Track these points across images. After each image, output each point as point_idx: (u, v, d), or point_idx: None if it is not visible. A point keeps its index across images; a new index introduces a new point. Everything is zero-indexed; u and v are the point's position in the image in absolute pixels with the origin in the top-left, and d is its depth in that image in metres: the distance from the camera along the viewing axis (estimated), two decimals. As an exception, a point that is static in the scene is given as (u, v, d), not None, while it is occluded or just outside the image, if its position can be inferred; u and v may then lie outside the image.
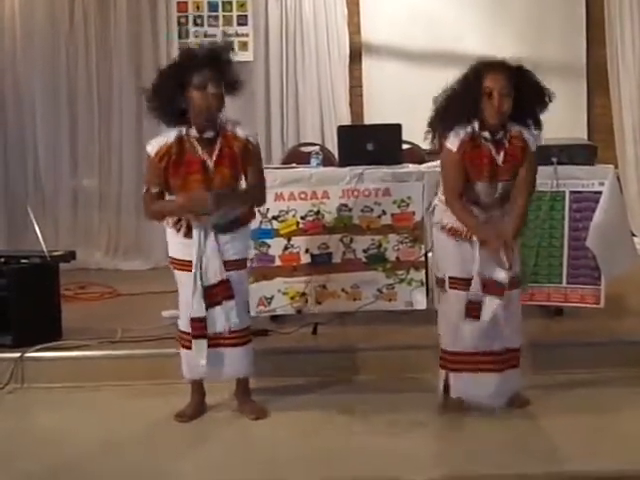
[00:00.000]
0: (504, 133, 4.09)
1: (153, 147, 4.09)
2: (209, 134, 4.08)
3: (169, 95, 4.01)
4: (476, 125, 4.07)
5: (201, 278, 4.11)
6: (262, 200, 4.35)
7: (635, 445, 3.78)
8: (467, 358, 4.19)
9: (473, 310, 4.12)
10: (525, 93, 4.04)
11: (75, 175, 7.87)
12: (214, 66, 4.02)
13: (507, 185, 4.13)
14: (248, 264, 4.42)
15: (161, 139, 4.10)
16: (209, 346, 4.18)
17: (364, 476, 3.60)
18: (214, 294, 4.14)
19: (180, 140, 4.07)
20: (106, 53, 7.75)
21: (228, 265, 4.17)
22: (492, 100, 4.00)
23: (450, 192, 4.16)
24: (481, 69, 4.05)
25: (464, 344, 4.18)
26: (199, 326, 4.14)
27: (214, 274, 4.13)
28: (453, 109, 4.08)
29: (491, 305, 4.10)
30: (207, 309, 4.13)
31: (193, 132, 4.08)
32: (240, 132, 4.14)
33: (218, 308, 4.15)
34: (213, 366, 4.21)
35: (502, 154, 4.09)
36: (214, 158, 4.08)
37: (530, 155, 4.13)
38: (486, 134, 4.08)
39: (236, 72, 4.12)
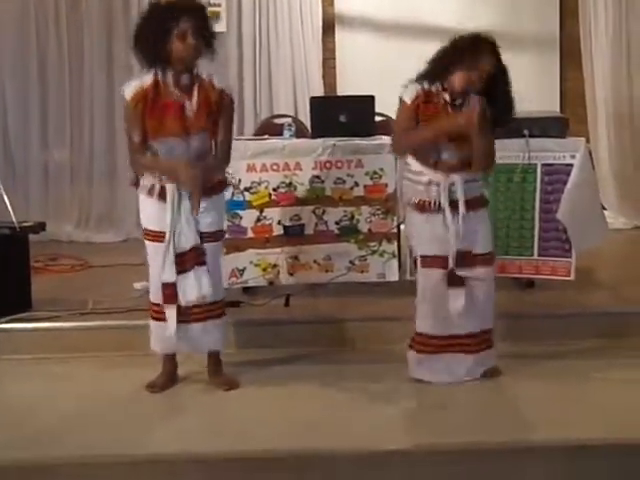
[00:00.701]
0: (463, 100, 4.11)
1: (129, 91, 4.06)
2: (185, 80, 4.06)
3: (151, 41, 3.98)
4: (439, 85, 4.11)
5: (173, 244, 4.09)
6: (228, 160, 4.26)
7: (602, 415, 3.82)
8: (435, 342, 4.21)
9: (455, 279, 4.13)
10: (499, 82, 4.06)
11: (46, 146, 7.79)
12: (194, 17, 3.98)
13: (468, 149, 4.10)
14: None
15: (136, 83, 4.07)
16: (182, 321, 4.17)
17: (337, 446, 3.60)
18: (185, 260, 4.12)
19: (156, 84, 4.05)
20: (77, 20, 7.65)
21: (204, 237, 4.15)
22: (472, 75, 4.00)
23: (398, 134, 4.19)
24: (482, 45, 4.03)
25: (430, 326, 4.21)
26: (170, 291, 4.12)
27: (186, 240, 4.11)
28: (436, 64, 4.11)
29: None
30: (178, 275, 4.11)
31: (169, 77, 4.05)
32: (217, 82, 4.13)
33: (190, 274, 4.12)
34: (185, 339, 4.22)
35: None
36: (193, 103, 4.05)
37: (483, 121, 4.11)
38: (446, 96, 4.10)
39: (211, 25, 4.10)
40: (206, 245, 4.15)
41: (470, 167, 4.14)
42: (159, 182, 4.08)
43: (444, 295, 4.17)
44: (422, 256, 4.21)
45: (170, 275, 4.11)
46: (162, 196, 4.08)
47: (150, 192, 4.12)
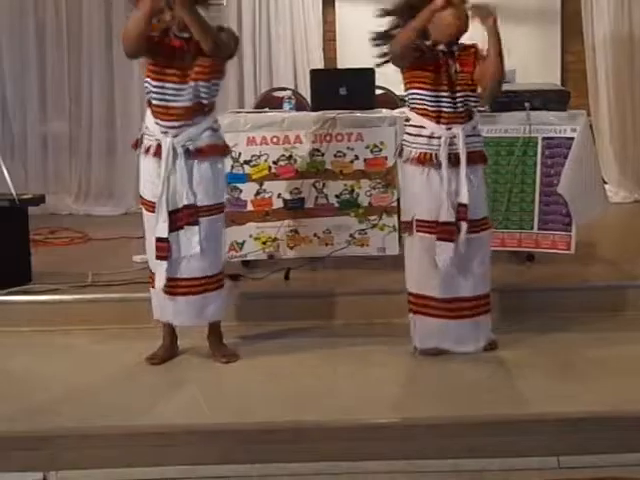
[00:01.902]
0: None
1: None
2: (186, 34, 4.06)
3: None
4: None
5: (167, 201, 4.09)
6: (210, 40, 4.01)
7: (599, 388, 3.83)
8: (434, 303, 4.23)
9: (448, 233, 4.14)
10: None
11: (45, 119, 7.77)
12: None
13: (466, 98, 4.13)
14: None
15: None
16: (181, 294, 4.19)
17: (335, 418, 3.62)
18: (178, 218, 4.13)
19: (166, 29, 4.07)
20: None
21: (200, 211, 4.15)
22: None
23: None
24: None
25: (430, 289, 4.22)
26: (163, 247, 4.12)
27: (180, 198, 4.11)
28: None
29: (462, 229, 4.15)
30: (171, 232, 4.11)
31: (174, 29, 4.07)
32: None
33: (181, 232, 4.14)
34: (186, 312, 4.23)
35: (456, 65, 4.14)
36: (192, 50, 4.04)
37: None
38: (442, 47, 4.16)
39: None
40: (203, 220, 4.15)
41: (470, 118, 4.16)
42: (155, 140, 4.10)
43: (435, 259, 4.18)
44: (419, 220, 4.21)
45: (162, 230, 4.11)
46: (158, 154, 4.09)
47: (147, 151, 4.13)
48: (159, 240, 4.13)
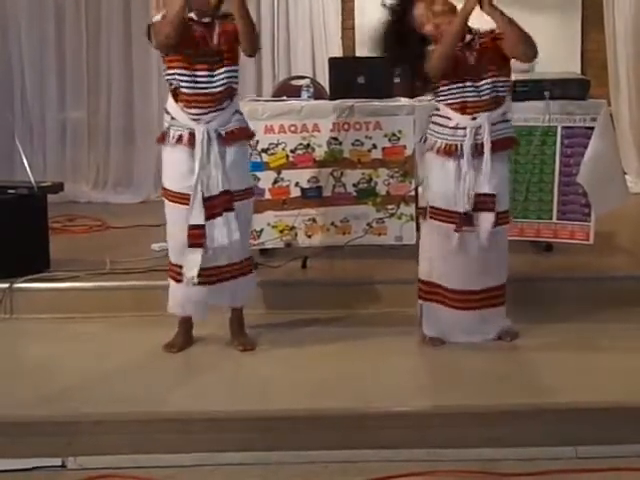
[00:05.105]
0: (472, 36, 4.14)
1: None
2: (206, 19, 4.09)
3: None
4: None
5: (202, 187, 4.09)
6: (256, 41, 4.18)
7: (616, 378, 3.82)
8: (443, 292, 4.24)
9: (467, 221, 4.13)
10: None
11: (63, 107, 7.77)
12: None
13: (493, 84, 4.09)
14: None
15: None
16: (211, 282, 4.19)
17: (351, 407, 3.63)
18: (214, 205, 4.12)
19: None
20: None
21: (235, 196, 4.16)
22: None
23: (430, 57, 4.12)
24: None
25: (442, 278, 4.23)
26: (197, 234, 4.11)
27: (215, 185, 4.10)
28: None
29: (486, 220, 4.13)
30: (207, 220, 4.10)
31: (193, 15, 4.08)
32: None
33: (219, 219, 4.12)
34: (214, 296, 4.24)
35: (474, 54, 4.09)
36: (215, 35, 4.08)
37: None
38: None
39: None
40: (237, 204, 4.16)
41: (498, 105, 4.13)
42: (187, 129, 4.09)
43: (449, 249, 4.16)
44: (432, 207, 4.21)
45: (198, 217, 4.09)
46: (191, 143, 4.08)
47: (180, 140, 4.10)
48: (193, 227, 4.11)
